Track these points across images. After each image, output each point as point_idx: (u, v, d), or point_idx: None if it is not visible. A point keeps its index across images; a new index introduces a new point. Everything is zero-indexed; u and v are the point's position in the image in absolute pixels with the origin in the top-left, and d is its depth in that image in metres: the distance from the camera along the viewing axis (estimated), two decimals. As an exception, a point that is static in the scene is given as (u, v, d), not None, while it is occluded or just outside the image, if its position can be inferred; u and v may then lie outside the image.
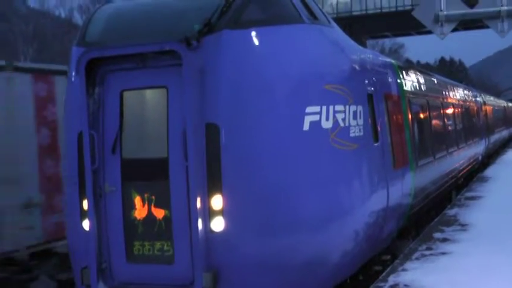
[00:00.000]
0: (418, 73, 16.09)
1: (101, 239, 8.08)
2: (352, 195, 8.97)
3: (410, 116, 13.30)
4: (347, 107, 8.95)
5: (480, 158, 27.28)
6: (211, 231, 7.67)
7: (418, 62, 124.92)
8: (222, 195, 7.64)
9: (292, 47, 8.30)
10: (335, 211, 8.47)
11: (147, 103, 8.35)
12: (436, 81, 18.99)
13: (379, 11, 63.17)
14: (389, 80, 12.19)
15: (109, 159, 8.13)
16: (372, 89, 10.52)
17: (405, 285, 8.68)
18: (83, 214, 8.12)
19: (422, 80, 16.01)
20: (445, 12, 14.05)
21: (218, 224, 7.67)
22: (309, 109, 8.16)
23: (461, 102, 23.19)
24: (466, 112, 24.31)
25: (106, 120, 8.17)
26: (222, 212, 7.65)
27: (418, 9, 14.98)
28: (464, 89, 26.85)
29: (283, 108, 7.98)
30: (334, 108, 8.58)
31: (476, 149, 25.36)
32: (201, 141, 7.64)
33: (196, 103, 7.63)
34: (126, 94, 8.15)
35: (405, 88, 13.35)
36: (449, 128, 19.41)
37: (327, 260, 8.35)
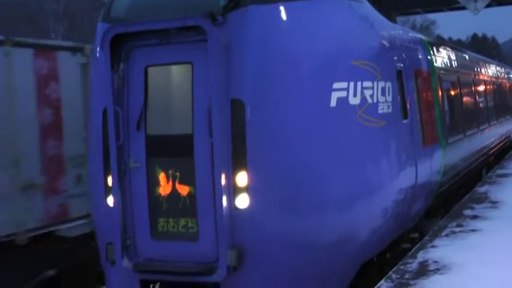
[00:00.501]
0: (448, 49, 15.84)
1: (126, 216, 8.05)
2: (380, 172, 8.84)
3: (440, 93, 13.10)
4: (375, 83, 8.80)
5: None
6: (236, 208, 7.59)
7: (450, 38, 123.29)
8: (247, 172, 7.55)
9: (319, 22, 8.16)
10: (363, 189, 8.36)
11: (172, 79, 8.27)
12: (467, 58, 18.70)
13: (410, -13, 62.68)
14: (419, 56, 12.00)
15: (134, 136, 8.08)
16: (401, 65, 10.34)
17: (434, 261, 8.61)
18: (108, 190, 8.10)
19: (453, 57, 15.77)
20: (479, -12, 13.62)
21: (243, 201, 7.59)
22: (336, 85, 8.03)
23: (493, 79, 22.84)
24: (498, 89, 23.94)
25: (131, 96, 8.11)
26: (246, 189, 7.57)
27: (451, -15, 14.65)
28: (496, 65, 26.45)
29: (309, 84, 7.86)
30: (362, 84, 8.44)
31: (508, 126, 25.02)
32: (226, 118, 7.55)
33: (221, 79, 7.53)
34: (150, 70, 8.07)
35: (435, 64, 13.15)
36: (481, 105, 19.12)
37: (354, 238, 8.25)
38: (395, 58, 10.11)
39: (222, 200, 7.47)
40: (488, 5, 15.47)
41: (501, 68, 27.36)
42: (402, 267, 8.56)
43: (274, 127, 7.67)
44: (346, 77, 8.22)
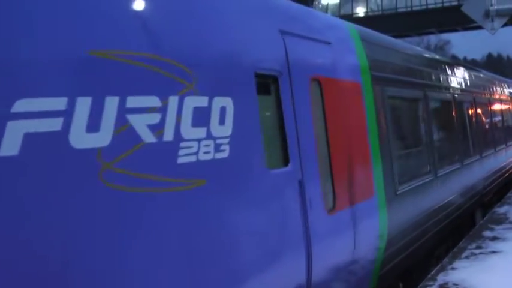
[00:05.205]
0: (403, 49, 10.77)
1: None
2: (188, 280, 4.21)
3: (383, 117, 8.34)
4: (174, 99, 4.24)
5: None
6: None
7: (465, 58, 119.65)
8: None
9: None
10: None
11: None
12: (436, 63, 12.86)
13: (425, 7, 62.62)
14: (335, 55, 7.21)
15: None
16: (274, 66, 5.68)
17: (454, 284, 8.50)
18: None
19: (412, 61, 10.69)
20: (496, 7, 14.31)
21: None
22: (27, 105, 3.38)
23: (481, 95, 16.90)
24: (497, 108, 18.87)
25: None
26: None
27: (467, 5, 15.12)
28: (492, 78, 20.40)
29: None
30: (122, 102, 3.84)
31: (506, 157, 19.59)
32: None
33: None
34: None
35: (373, 72, 8.29)
36: (467, 130, 14.14)
37: None
38: (258, 52, 5.48)
39: None
40: (504, 24, 15.45)
41: (500, 83, 21.45)
42: (422, 291, 8.32)
43: None
44: (66, 88, 3.60)
